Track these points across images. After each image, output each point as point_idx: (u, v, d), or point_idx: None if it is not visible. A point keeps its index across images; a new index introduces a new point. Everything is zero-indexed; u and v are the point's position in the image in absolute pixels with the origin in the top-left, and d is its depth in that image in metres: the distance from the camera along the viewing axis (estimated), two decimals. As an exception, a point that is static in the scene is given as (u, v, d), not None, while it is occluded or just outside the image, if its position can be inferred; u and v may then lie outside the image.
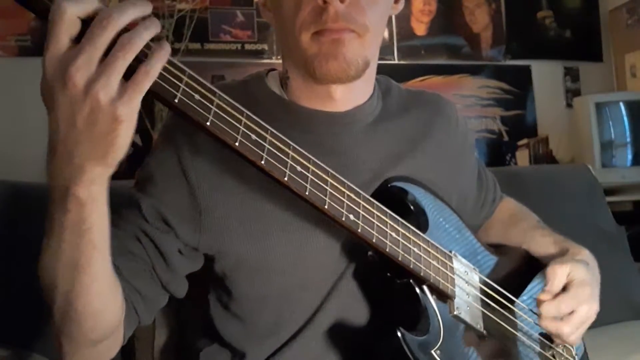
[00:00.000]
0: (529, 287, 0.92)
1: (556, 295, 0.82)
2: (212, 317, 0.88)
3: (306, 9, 0.77)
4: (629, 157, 2.65)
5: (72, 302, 0.62)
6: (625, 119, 2.66)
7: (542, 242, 0.97)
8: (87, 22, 0.53)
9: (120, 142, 0.54)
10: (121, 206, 0.78)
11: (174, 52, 2.29)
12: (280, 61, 0.90)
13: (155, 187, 0.79)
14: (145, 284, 0.76)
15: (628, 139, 2.65)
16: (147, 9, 0.55)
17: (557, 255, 0.92)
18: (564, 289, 0.83)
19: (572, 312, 0.83)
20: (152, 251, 0.77)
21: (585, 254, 0.92)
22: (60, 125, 0.54)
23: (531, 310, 0.91)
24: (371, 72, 0.88)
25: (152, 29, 0.55)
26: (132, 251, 0.76)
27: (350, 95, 0.86)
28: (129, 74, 0.54)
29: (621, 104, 2.67)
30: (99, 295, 0.64)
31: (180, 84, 0.58)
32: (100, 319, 0.66)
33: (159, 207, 0.78)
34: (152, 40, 0.55)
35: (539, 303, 0.82)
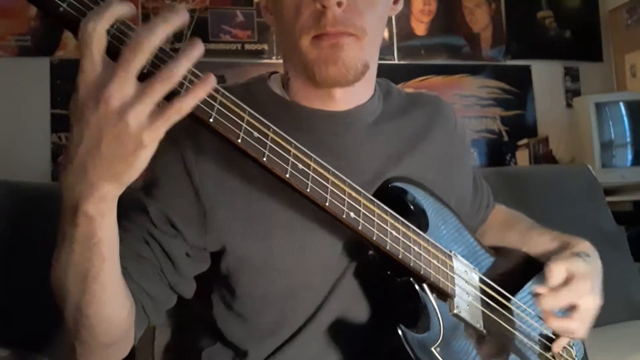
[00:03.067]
0: (527, 286, 0.92)
1: (555, 290, 0.81)
2: (215, 316, 0.88)
3: (305, 14, 0.78)
4: (629, 157, 2.65)
5: (83, 310, 0.64)
6: (625, 119, 2.66)
7: (540, 241, 0.97)
8: (113, 35, 0.54)
9: (139, 164, 0.56)
10: (129, 210, 0.79)
11: (174, 52, 2.27)
12: (280, 61, 0.90)
13: (161, 190, 0.79)
14: (154, 285, 0.77)
15: (628, 139, 2.66)
16: (183, 17, 0.54)
17: (558, 250, 0.92)
18: (566, 282, 0.82)
19: (575, 307, 0.82)
20: (160, 254, 0.78)
21: (586, 245, 0.92)
22: (83, 142, 0.54)
23: (530, 310, 0.91)
24: (371, 73, 0.88)
25: (194, 54, 0.55)
26: (140, 254, 0.76)
27: (350, 97, 0.87)
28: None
29: (621, 104, 2.67)
30: (109, 303, 0.65)
31: (184, 81, 0.58)
32: (112, 324, 0.67)
33: (166, 210, 0.78)
34: (194, 70, 0.56)
35: (537, 298, 0.81)
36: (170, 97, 0.55)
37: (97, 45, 0.53)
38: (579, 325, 0.83)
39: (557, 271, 0.82)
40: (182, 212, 0.79)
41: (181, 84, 0.56)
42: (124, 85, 0.52)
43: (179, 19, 0.54)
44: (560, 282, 0.82)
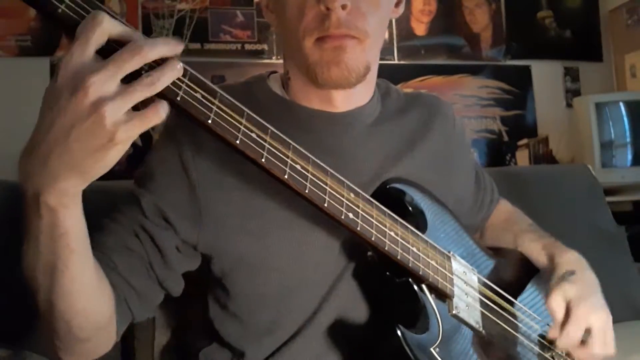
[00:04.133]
0: (527, 289, 0.93)
1: (563, 329, 0.82)
2: (211, 316, 0.88)
3: (309, 15, 0.78)
4: (629, 157, 2.65)
5: (54, 303, 0.63)
6: (625, 119, 2.66)
7: (531, 248, 0.97)
8: (110, 43, 0.54)
9: (108, 161, 0.55)
10: (121, 202, 0.79)
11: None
12: (280, 61, 0.90)
13: (156, 183, 0.79)
14: (141, 280, 0.76)
15: (628, 139, 2.65)
16: (178, 49, 0.56)
17: (545, 266, 0.92)
18: (566, 313, 0.83)
19: (589, 330, 0.83)
20: (150, 247, 0.77)
21: (570, 260, 0.91)
22: (53, 129, 0.53)
23: (529, 311, 0.91)
24: (372, 75, 0.89)
25: (176, 71, 0.56)
26: (129, 247, 0.76)
27: (350, 98, 0.87)
28: None
29: (621, 104, 2.67)
30: (81, 296, 0.64)
31: (181, 83, 0.59)
32: (86, 318, 0.66)
33: (159, 203, 0.78)
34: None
35: (554, 342, 0.83)
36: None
37: (97, 38, 0.53)
38: (601, 347, 0.83)
39: (557, 305, 0.83)
40: (176, 207, 0.78)
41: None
42: (109, 81, 0.52)
43: (175, 49, 0.56)
44: (563, 313, 0.83)
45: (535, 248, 0.96)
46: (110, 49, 0.54)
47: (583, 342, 0.83)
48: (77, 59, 0.53)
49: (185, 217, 0.79)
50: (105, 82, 0.52)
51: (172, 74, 0.55)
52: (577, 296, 0.83)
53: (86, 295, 0.65)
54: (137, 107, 0.54)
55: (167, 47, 0.55)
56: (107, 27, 0.53)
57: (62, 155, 0.53)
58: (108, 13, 0.54)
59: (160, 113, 0.54)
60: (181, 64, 0.57)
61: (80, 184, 0.56)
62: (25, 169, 0.56)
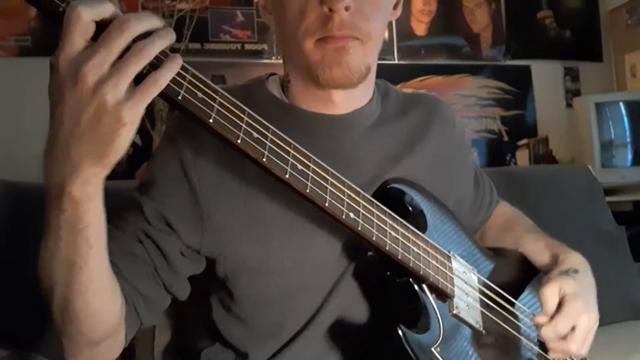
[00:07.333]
0: (527, 290, 0.93)
1: (552, 317, 0.81)
2: (214, 318, 0.88)
3: (311, 16, 0.77)
4: (629, 157, 2.65)
5: (70, 302, 0.62)
6: (625, 119, 2.67)
7: (534, 248, 0.97)
8: (101, 25, 0.54)
9: (120, 143, 0.55)
10: (123, 208, 0.79)
11: (174, 52, 2.28)
12: (280, 62, 0.90)
13: (158, 189, 0.79)
14: (147, 285, 0.76)
15: (628, 139, 2.66)
16: (162, 24, 0.56)
17: (548, 265, 0.92)
18: (559, 306, 0.82)
19: (573, 328, 0.82)
20: (154, 253, 0.77)
21: (576, 259, 0.91)
22: (64, 122, 0.54)
23: (529, 311, 0.91)
24: (371, 76, 0.88)
25: (167, 39, 0.56)
26: (133, 253, 0.75)
27: (350, 99, 0.87)
28: (139, 79, 0.54)
29: (621, 104, 2.68)
30: (96, 295, 0.64)
31: (183, 82, 0.59)
32: (99, 319, 0.66)
33: (162, 209, 0.78)
34: (166, 51, 0.56)
35: (537, 328, 0.82)
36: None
37: (80, 30, 0.53)
38: (577, 347, 0.83)
39: (551, 295, 0.82)
40: (179, 212, 0.78)
41: (154, 65, 0.56)
42: (103, 63, 0.52)
43: (160, 23, 0.56)
44: (555, 305, 0.82)
45: (538, 247, 0.96)
46: (103, 30, 0.54)
47: (563, 336, 0.83)
48: (67, 53, 0.53)
49: (188, 222, 0.79)
50: (99, 65, 0.52)
51: (159, 41, 0.55)
52: (574, 293, 0.83)
53: (101, 295, 0.65)
54: None
55: (151, 20, 0.55)
56: (86, 17, 0.53)
57: (79, 145, 0.54)
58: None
59: (159, 81, 0.54)
60: (171, 33, 0.56)
61: (100, 170, 0.57)
62: (49, 164, 0.57)
